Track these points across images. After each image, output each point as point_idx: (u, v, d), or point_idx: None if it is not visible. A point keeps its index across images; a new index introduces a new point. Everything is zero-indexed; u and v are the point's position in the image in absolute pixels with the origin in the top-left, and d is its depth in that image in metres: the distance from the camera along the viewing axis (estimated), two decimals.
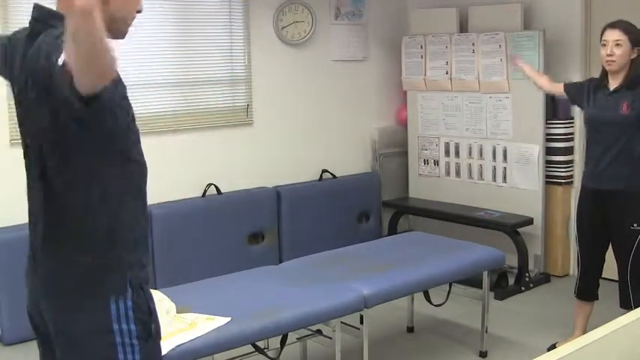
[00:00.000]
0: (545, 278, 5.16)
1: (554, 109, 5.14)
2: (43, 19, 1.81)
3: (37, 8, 1.85)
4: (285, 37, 5.30)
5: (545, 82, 4.11)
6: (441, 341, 4.21)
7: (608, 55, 3.59)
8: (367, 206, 5.67)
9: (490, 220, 5.12)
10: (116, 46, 1.57)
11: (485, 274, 3.87)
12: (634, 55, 3.59)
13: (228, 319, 2.89)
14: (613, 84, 3.66)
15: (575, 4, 5.08)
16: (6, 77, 1.96)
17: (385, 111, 6.02)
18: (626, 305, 3.65)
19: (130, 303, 1.84)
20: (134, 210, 1.89)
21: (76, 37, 1.44)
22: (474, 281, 4.04)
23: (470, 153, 5.52)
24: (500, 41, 5.15)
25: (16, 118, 1.97)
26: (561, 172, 5.16)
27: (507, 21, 5.21)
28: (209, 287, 3.36)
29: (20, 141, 1.94)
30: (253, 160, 5.25)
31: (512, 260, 4.92)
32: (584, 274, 3.92)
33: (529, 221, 5.07)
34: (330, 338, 3.28)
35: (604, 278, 3.93)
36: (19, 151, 1.95)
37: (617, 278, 3.78)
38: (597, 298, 3.92)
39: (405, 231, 5.59)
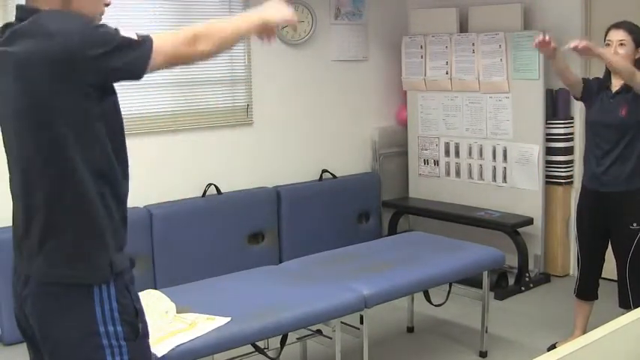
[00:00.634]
0: (545, 278, 5.16)
1: (554, 109, 5.14)
2: (22, 17, 1.81)
3: (20, 8, 1.85)
4: (285, 37, 5.30)
5: (569, 72, 3.78)
6: (441, 341, 4.21)
7: None
8: (367, 206, 5.67)
9: (490, 220, 5.12)
10: None
11: (485, 274, 3.87)
12: (638, 55, 3.59)
13: (228, 319, 2.89)
14: (616, 85, 3.66)
15: (575, 4, 5.08)
16: None
17: (385, 111, 6.02)
18: (625, 305, 3.66)
19: (115, 304, 1.82)
20: (115, 210, 1.87)
21: (234, 39, 1.92)
22: (474, 281, 4.04)
23: (470, 153, 5.52)
24: (500, 41, 5.15)
25: None
26: (561, 172, 5.16)
27: (507, 21, 5.21)
28: (209, 287, 3.36)
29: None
30: (253, 160, 5.25)
31: (512, 260, 4.92)
32: (584, 274, 3.92)
33: (529, 221, 5.07)
34: (330, 338, 3.28)
35: (604, 278, 3.93)
36: None
37: (616, 278, 3.79)
38: (597, 298, 3.92)
39: (405, 231, 5.59)
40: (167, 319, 2.83)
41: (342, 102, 5.72)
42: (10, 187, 1.91)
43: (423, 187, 5.83)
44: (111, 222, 1.85)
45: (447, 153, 5.66)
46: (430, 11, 5.73)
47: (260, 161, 5.28)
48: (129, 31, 1.78)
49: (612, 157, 3.64)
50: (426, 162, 5.83)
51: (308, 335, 3.44)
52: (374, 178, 5.82)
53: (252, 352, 3.24)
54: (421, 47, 5.66)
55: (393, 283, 3.46)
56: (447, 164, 5.68)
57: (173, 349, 2.65)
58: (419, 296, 4.12)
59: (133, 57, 1.78)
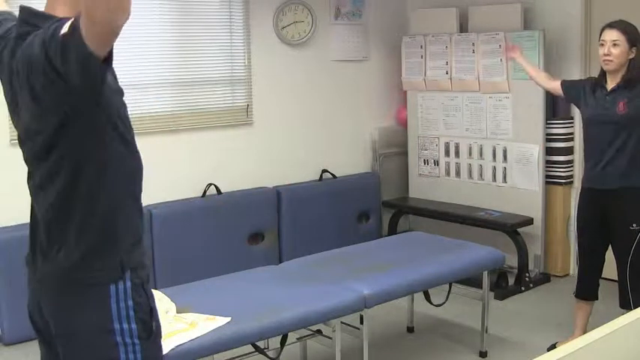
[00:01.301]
0: (545, 278, 5.16)
1: (554, 109, 5.14)
2: (29, 20, 1.80)
3: (23, 10, 1.85)
4: (285, 37, 5.30)
5: (541, 79, 4.13)
6: (441, 341, 4.21)
7: (605, 55, 3.60)
8: (367, 206, 5.67)
9: (490, 220, 5.12)
10: None
11: (485, 274, 3.87)
12: (632, 55, 3.59)
13: (228, 319, 2.89)
14: (611, 84, 3.67)
15: (575, 4, 5.08)
16: None
17: (385, 111, 6.02)
18: (626, 305, 3.66)
19: (130, 302, 1.84)
20: (131, 207, 1.90)
21: None
22: (473, 281, 4.05)
23: (470, 153, 5.52)
24: (500, 41, 5.15)
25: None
26: (561, 172, 5.16)
27: (507, 21, 5.21)
28: (209, 287, 3.36)
29: (18, 142, 1.93)
30: (253, 160, 5.25)
31: (512, 260, 4.92)
32: (584, 274, 3.92)
33: (529, 221, 5.07)
34: (330, 338, 3.28)
35: (604, 278, 3.93)
36: (19, 151, 1.95)
37: (616, 278, 3.79)
38: (597, 298, 3.92)
39: (405, 231, 5.59)
40: (167, 319, 2.83)
41: (342, 102, 5.72)
42: (28, 185, 1.92)
43: (423, 187, 5.83)
44: (126, 218, 1.87)
45: (447, 153, 5.66)
46: (430, 11, 5.72)
47: (260, 161, 5.28)
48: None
49: (609, 154, 3.64)
50: (425, 162, 5.83)
51: (308, 335, 3.44)
52: (374, 178, 5.82)
53: (252, 352, 3.24)
54: (421, 47, 5.66)
55: (393, 283, 3.46)
56: (447, 164, 5.68)
57: (173, 349, 2.64)
58: (419, 296, 4.12)
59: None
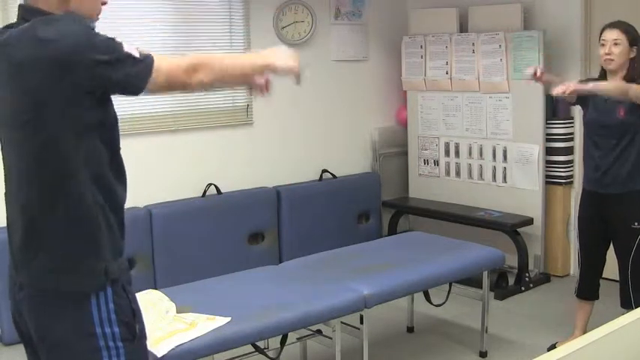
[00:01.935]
0: (545, 278, 5.16)
1: (554, 109, 5.14)
2: (27, 17, 1.82)
3: (22, 7, 1.85)
4: (285, 37, 5.30)
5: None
6: (441, 341, 4.21)
7: (606, 54, 3.59)
8: (367, 206, 5.67)
9: (490, 220, 5.12)
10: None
11: (485, 274, 3.87)
12: (632, 55, 3.59)
13: (228, 319, 2.89)
14: None
15: (575, 4, 5.07)
16: None
17: (385, 111, 6.02)
18: (627, 305, 3.65)
19: (111, 305, 1.82)
20: (112, 218, 1.86)
21: (235, 75, 2.02)
22: (473, 281, 4.04)
23: (470, 153, 5.52)
24: (500, 41, 5.15)
25: None
26: (561, 172, 5.16)
27: (507, 21, 5.21)
28: (209, 287, 3.36)
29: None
30: (253, 160, 5.25)
31: (512, 260, 4.92)
32: (585, 274, 3.92)
33: (529, 221, 5.07)
34: (330, 338, 3.28)
35: (604, 278, 3.93)
36: None
37: (617, 278, 3.79)
38: (597, 298, 3.92)
39: (405, 231, 5.59)
40: (167, 319, 2.83)
41: (342, 102, 5.72)
42: (5, 192, 1.90)
43: (423, 187, 5.83)
44: (107, 229, 1.84)
45: (447, 153, 5.66)
46: (430, 11, 5.72)
47: (260, 161, 5.28)
48: (131, 47, 1.78)
49: (611, 158, 3.64)
50: (426, 162, 5.83)
51: (308, 335, 3.44)
52: (374, 178, 5.82)
53: (252, 352, 3.24)
54: (421, 47, 5.66)
55: (393, 283, 3.46)
56: (447, 164, 5.68)
57: (173, 349, 2.64)
58: (419, 296, 4.12)
59: (134, 71, 1.76)
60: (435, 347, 4.12)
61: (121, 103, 1.94)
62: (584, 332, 3.74)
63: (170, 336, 2.70)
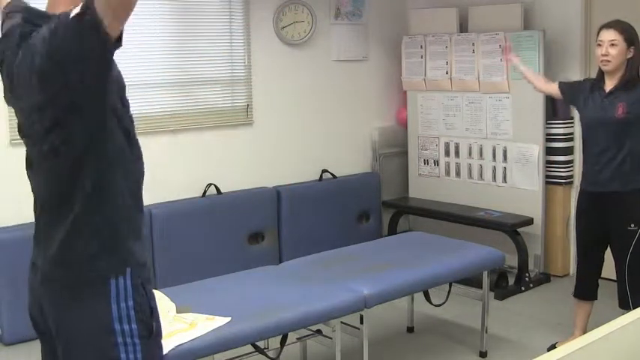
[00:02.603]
0: (545, 278, 5.16)
1: (554, 109, 5.14)
2: (34, 21, 1.81)
3: (27, 10, 1.85)
4: (285, 37, 5.30)
5: (540, 83, 4.11)
6: (441, 341, 4.21)
7: (603, 55, 3.59)
8: (367, 206, 5.67)
9: (490, 220, 5.12)
10: None
11: (485, 274, 3.87)
12: (629, 55, 3.59)
13: (228, 319, 2.89)
14: (609, 85, 3.66)
15: (575, 4, 5.08)
16: None
17: (385, 111, 6.02)
18: (625, 305, 3.65)
19: (131, 303, 1.84)
20: (131, 204, 1.90)
21: None
22: (473, 281, 4.04)
23: (470, 153, 5.52)
24: (500, 41, 5.15)
25: (15, 118, 1.96)
26: (561, 172, 5.16)
27: (507, 21, 5.21)
28: (209, 287, 3.36)
29: (22, 141, 1.94)
30: (253, 160, 5.25)
31: (512, 260, 4.92)
32: (583, 275, 3.92)
33: (529, 221, 5.07)
34: (330, 338, 3.28)
35: (603, 278, 3.93)
36: (19, 151, 1.95)
37: (616, 278, 3.79)
38: (596, 298, 3.92)
39: (405, 231, 5.59)
40: (167, 319, 2.83)
41: (342, 102, 5.72)
42: (30, 183, 1.93)
43: (423, 187, 5.83)
44: (127, 212, 1.88)
45: (447, 153, 5.67)
46: (430, 11, 5.73)
47: (260, 161, 5.28)
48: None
49: (608, 157, 3.64)
50: (425, 162, 5.83)
51: (308, 335, 3.44)
52: (374, 178, 5.82)
53: (252, 352, 3.24)
54: (421, 47, 5.66)
55: (393, 283, 3.46)
56: (447, 164, 5.68)
57: (173, 349, 2.64)
58: (419, 296, 4.12)
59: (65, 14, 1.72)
60: (435, 347, 4.12)
61: None
62: (584, 332, 3.74)
63: (170, 336, 2.70)
